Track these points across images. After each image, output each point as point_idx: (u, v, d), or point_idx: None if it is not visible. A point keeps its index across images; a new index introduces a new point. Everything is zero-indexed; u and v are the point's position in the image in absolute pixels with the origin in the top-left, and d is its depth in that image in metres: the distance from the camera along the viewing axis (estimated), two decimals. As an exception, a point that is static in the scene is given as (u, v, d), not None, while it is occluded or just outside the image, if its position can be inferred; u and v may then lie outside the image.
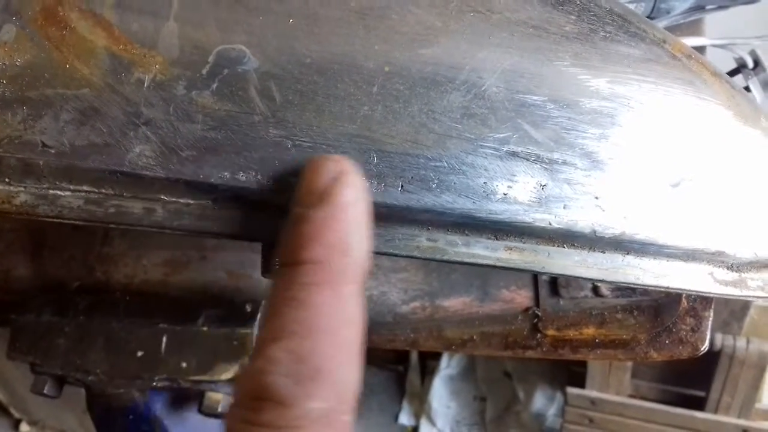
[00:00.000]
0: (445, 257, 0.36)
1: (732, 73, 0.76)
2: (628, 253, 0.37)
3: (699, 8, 0.82)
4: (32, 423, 1.82)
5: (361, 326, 0.30)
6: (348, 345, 0.29)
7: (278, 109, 0.34)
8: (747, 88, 0.72)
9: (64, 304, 0.65)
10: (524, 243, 0.36)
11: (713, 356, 1.47)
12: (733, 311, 1.43)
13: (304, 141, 0.34)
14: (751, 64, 0.78)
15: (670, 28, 0.76)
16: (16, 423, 1.82)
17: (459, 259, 0.36)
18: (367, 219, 0.32)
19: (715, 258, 0.38)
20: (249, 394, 0.28)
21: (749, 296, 0.39)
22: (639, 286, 0.37)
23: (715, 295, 0.38)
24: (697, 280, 0.38)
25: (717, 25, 0.87)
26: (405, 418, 2.13)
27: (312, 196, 0.31)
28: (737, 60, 0.80)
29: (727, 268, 0.39)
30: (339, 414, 0.28)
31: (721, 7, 0.83)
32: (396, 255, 0.36)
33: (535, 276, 0.65)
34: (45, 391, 0.64)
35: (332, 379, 0.28)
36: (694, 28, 0.87)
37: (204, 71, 0.34)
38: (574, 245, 0.37)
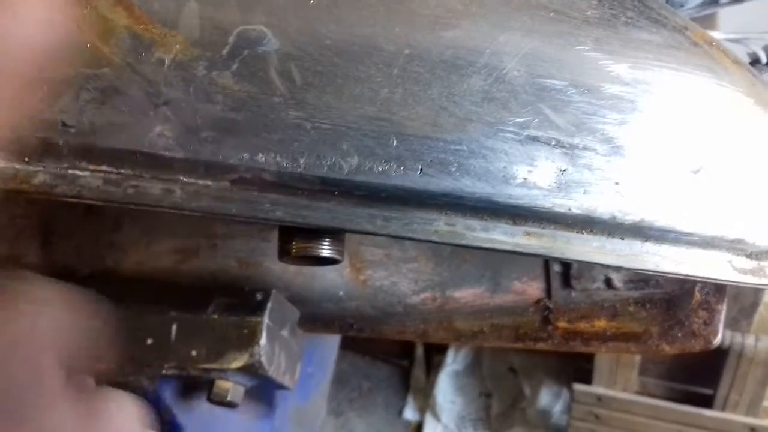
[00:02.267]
0: (463, 242, 0.36)
1: (745, 67, 0.75)
2: (647, 240, 0.37)
3: (713, 2, 0.82)
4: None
5: None
6: None
7: (298, 91, 0.34)
8: (761, 83, 0.72)
9: (75, 291, 0.65)
10: (543, 228, 0.36)
11: (721, 354, 1.46)
12: (742, 308, 1.43)
13: (324, 123, 0.34)
14: (764, 59, 0.78)
15: (685, 22, 0.76)
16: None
17: (477, 243, 0.36)
18: None
19: (734, 246, 0.38)
20: None
21: (768, 285, 0.39)
22: (658, 273, 0.37)
23: (734, 283, 0.38)
24: (716, 267, 0.38)
25: (731, 19, 0.86)
26: (410, 413, 2.13)
27: None
28: (750, 55, 0.80)
29: (746, 256, 0.38)
30: None
31: (735, 2, 0.82)
32: (414, 239, 0.35)
33: (547, 268, 0.65)
34: (55, 378, 0.64)
35: None
36: (707, 23, 0.86)
37: (224, 52, 0.33)
38: (593, 231, 0.36)
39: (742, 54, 0.78)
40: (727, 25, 0.86)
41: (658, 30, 0.37)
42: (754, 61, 0.81)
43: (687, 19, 0.39)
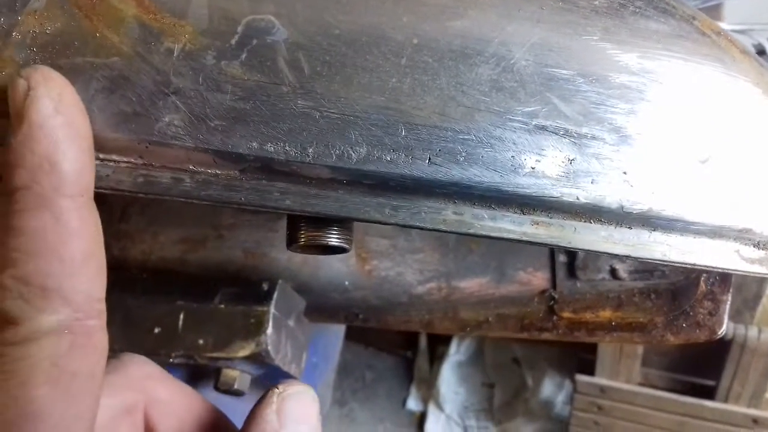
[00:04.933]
0: (471, 231, 0.36)
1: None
2: (654, 230, 0.37)
3: (719, -8, 0.81)
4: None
5: (92, 233, 0.31)
6: (75, 258, 0.30)
7: (306, 80, 0.34)
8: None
9: (82, 281, 0.65)
10: (551, 218, 0.36)
11: (724, 345, 1.47)
12: (745, 300, 1.43)
13: (332, 112, 0.34)
14: (770, 50, 0.78)
15: (691, 12, 0.75)
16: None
17: (485, 233, 0.36)
18: (74, 126, 0.31)
19: (741, 235, 0.38)
20: None
21: (775, 275, 0.39)
22: (665, 263, 0.37)
23: (742, 273, 0.38)
24: (723, 257, 0.38)
25: (736, 10, 0.86)
26: (413, 404, 2.14)
27: (14, 120, 0.30)
28: (756, 46, 0.80)
29: (754, 246, 0.38)
30: (77, 321, 0.30)
31: (741, -8, 0.82)
32: (422, 228, 0.36)
33: (552, 258, 0.65)
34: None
35: (62, 292, 0.30)
36: (713, 14, 0.86)
37: (233, 41, 0.33)
38: (601, 221, 0.37)
39: (747, 45, 0.78)
40: (732, 16, 0.86)
41: (666, 20, 0.37)
42: (759, 52, 0.81)
43: (694, 8, 0.39)
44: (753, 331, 1.44)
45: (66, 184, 0.30)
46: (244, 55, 0.34)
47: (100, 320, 0.31)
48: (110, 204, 0.67)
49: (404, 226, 0.35)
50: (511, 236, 0.36)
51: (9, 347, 0.29)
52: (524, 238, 0.36)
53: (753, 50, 0.75)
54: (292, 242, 0.37)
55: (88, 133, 0.32)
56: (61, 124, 0.30)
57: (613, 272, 0.63)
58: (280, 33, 0.34)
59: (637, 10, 0.37)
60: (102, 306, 0.32)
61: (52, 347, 0.30)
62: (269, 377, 0.67)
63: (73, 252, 0.30)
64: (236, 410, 0.75)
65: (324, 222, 0.37)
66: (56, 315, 0.30)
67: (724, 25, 0.84)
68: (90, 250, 0.31)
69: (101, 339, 0.32)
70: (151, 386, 0.39)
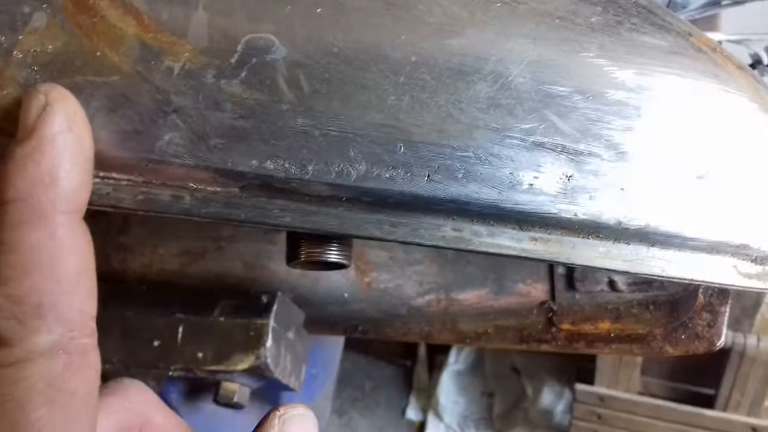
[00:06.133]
0: (470, 247, 0.36)
1: (747, 69, 0.75)
2: (652, 245, 0.37)
3: (715, 4, 0.82)
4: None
5: (85, 251, 0.31)
6: (70, 275, 0.30)
7: (306, 98, 0.34)
8: (762, 84, 0.72)
9: (82, 294, 0.65)
10: (549, 234, 0.36)
11: (723, 354, 1.47)
12: (744, 308, 1.43)
13: (332, 130, 0.34)
14: (766, 60, 0.78)
15: (687, 24, 0.76)
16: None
17: (484, 249, 0.36)
18: (81, 146, 0.31)
19: (739, 251, 0.38)
20: None
21: (773, 289, 0.39)
22: (663, 278, 0.37)
23: (739, 288, 0.38)
24: (721, 272, 0.38)
25: (732, 20, 0.87)
26: (412, 413, 2.14)
27: (22, 131, 0.30)
28: (752, 56, 0.80)
29: (752, 261, 0.39)
30: (72, 340, 0.30)
31: (736, 3, 0.83)
32: (421, 245, 0.36)
33: (551, 270, 0.65)
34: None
35: (56, 311, 0.29)
36: (709, 24, 0.86)
37: (233, 60, 0.34)
38: (599, 236, 0.37)
39: (744, 55, 0.79)
40: (729, 26, 0.86)
41: (662, 36, 0.37)
42: (757, 62, 0.81)
43: (690, 24, 0.40)
44: (752, 340, 1.44)
45: (63, 200, 0.30)
46: (243, 74, 0.34)
47: (93, 338, 0.31)
48: (110, 217, 0.67)
49: (403, 243, 0.36)
50: (509, 252, 0.36)
51: (3, 369, 0.29)
52: (523, 254, 0.36)
53: (748, 61, 0.75)
54: (291, 259, 0.37)
55: (91, 155, 0.32)
56: (71, 141, 0.31)
57: (612, 284, 0.63)
58: (279, 51, 0.34)
59: (633, 27, 0.37)
60: (94, 324, 0.32)
61: (48, 367, 0.29)
62: (269, 390, 0.67)
63: (67, 269, 0.30)
64: (236, 423, 0.75)
65: (324, 239, 0.37)
66: (51, 335, 0.29)
67: (720, 36, 0.84)
68: (83, 267, 0.31)
69: (95, 357, 0.32)
70: (149, 410, 0.39)
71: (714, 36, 0.82)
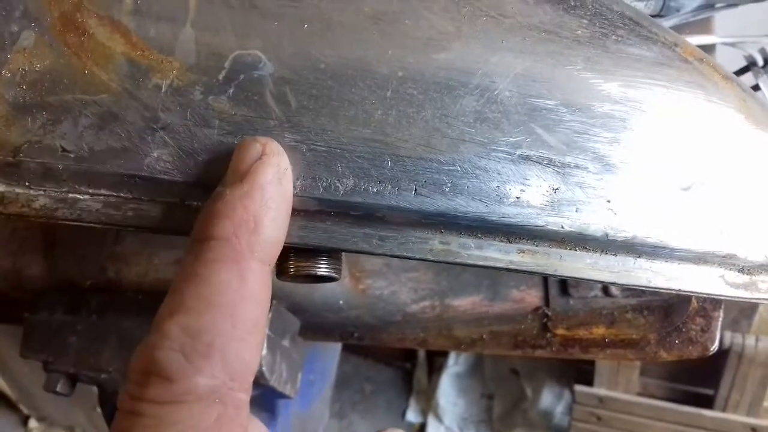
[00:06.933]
0: (458, 260, 0.36)
1: (741, 71, 0.76)
2: (639, 256, 0.37)
3: (709, 6, 0.82)
4: (41, 419, 1.83)
5: (266, 305, 0.31)
6: (247, 322, 0.29)
7: (293, 114, 0.34)
8: (756, 86, 0.72)
9: (77, 303, 0.66)
10: (537, 246, 0.37)
11: (722, 354, 1.47)
12: (743, 309, 1.43)
13: (319, 145, 0.34)
14: (760, 62, 0.78)
15: (680, 27, 0.76)
16: (25, 419, 1.84)
17: (472, 261, 0.36)
18: (286, 202, 0.32)
19: (726, 261, 0.38)
20: (139, 369, 0.28)
21: (760, 299, 0.39)
22: (650, 289, 0.38)
23: (726, 298, 0.38)
24: (708, 282, 0.38)
25: (727, 23, 0.87)
26: (412, 416, 2.14)
27: (234, 175, 0.31)
28: (747, 58, 0.80)
29: (738, 271, 0.39)
30: (230, 390, 0.28)
31: (730, 5, 0.83)
32: (409, 258, 0.36)
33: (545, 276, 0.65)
34: (58, 389, 0.65)
35: (223, 355, 0.28)
36: (703, 26, 0.86)
37: (220, 76, 0.34)
38: (586, 248, 0.37)
39: (738, 57, 0.79)
40: (723, 28, 0.86)
41: (648, 47, 0.38)
42: (751, 64, 0.81)
43: (677, 34, 0.40)
44: (750, 340, 1.44)
45: (261, 247, 0.30)
46: (231, 90, 0.34)
47: (248, 396, 0.30)
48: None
49: (392, 256, 0.36)
50: (497, 265, 0.36)
51: (156, 406, 0.27)
52: (511, 267, 0.37)
53: (742, 63, 0.75)
54: (281, 273, 0.37)
55: (289, 214, 0.33)
56: (279, 194, 0.32)
57: (606, 289, 0.63)
58: (266, 67, 0.34)
59: (619, 39, 0.37)
60: (251, 381, 0.30)
61: (201, 415, 0.27)
62: (265, 397, 0.68)
63: (247, 316, 0.29)
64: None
65: (312, 252, 0.37)
66: (213, 380, 0.28)
67: (715, 38, 0.84)
68: (260, 318, 0.30)
69: (246, 417, 0.29)
70: None
71: (708, 39, 0.82)
